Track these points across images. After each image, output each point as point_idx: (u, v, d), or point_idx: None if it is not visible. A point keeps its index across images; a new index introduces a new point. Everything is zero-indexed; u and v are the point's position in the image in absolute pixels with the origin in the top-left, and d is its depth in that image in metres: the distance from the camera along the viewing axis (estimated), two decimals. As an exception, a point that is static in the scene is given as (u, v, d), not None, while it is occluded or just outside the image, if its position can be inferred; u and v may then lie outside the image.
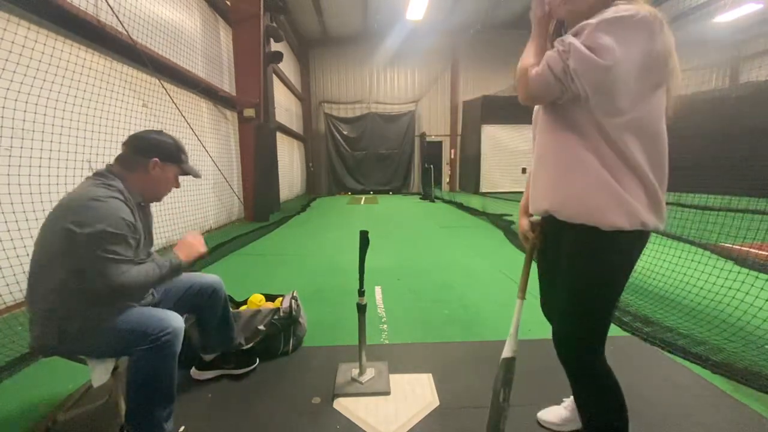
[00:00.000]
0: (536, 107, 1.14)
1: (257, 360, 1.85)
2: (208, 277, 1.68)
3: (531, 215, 1.24)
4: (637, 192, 0.93)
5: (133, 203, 1.30)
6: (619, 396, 1.09)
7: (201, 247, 1.41)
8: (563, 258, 1.06)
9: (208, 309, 1.67)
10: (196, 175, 1.49)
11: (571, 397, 1.44)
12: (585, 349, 1.06)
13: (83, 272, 1.16)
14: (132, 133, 1.40)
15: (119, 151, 1.37)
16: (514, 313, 1.24)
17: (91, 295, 1.18)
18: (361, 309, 1.70)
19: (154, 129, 1.42)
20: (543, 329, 2.16)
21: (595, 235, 0.95)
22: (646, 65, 0.87)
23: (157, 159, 1.34)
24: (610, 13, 0.86)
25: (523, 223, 1.27)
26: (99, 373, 1.26)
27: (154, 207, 1.53)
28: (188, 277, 1.64)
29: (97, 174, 1.29)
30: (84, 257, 1.14)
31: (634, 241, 0.97)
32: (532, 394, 1.62)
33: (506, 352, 1.24)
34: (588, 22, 0.87)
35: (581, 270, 1.02)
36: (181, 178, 1.47)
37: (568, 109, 0.96)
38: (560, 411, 1.46)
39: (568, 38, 0.88)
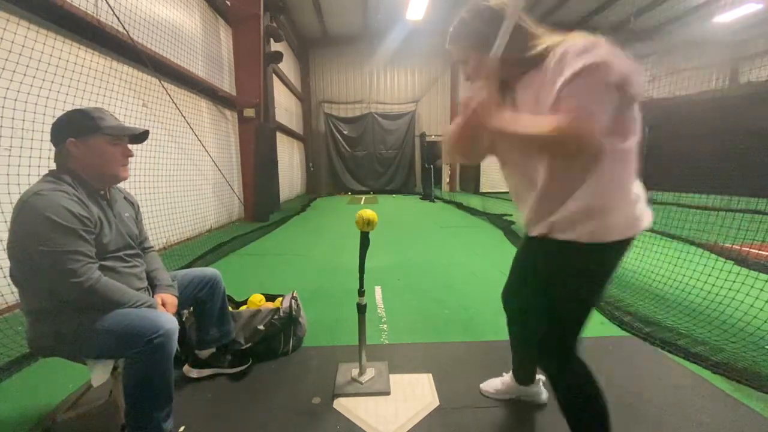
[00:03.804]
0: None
1: (250, 359, 1.85)
2: (206, 270, 1.71)
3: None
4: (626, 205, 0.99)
5: (86, 194, 1.25)
6: (595, 384, 1.10)
7: (172, 314, 1.35)
8: (545, 269, 1.08)
9: (207, 301, 1.68)
10: (131, 132, 1.32)
11: (510, 372, 1.60)
12: (564, 348, 1.09)
13: (42, 273, 1.14)
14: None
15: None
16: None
17: (60, 298, 1.17)
18: (361, 309, 1.70)
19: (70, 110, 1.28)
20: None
21: (584, 248, 0.98)
22: None
23: (71, 139, 1.22)
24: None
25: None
26: (98, 372, 1.27)
27: (154, 207, 1.53)
28: (188, 273, 1.66)
29: (49, 171, 1.26)
30: (33, 256, 1.12)
31: (621, 249, 1.01)
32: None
33: None
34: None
35: (566, 281, 1.05)
36: (176, 178, 1.45)
37: None
38: (496, 383, 1.64)
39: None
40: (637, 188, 1.00)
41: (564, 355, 1.09)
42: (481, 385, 1.67)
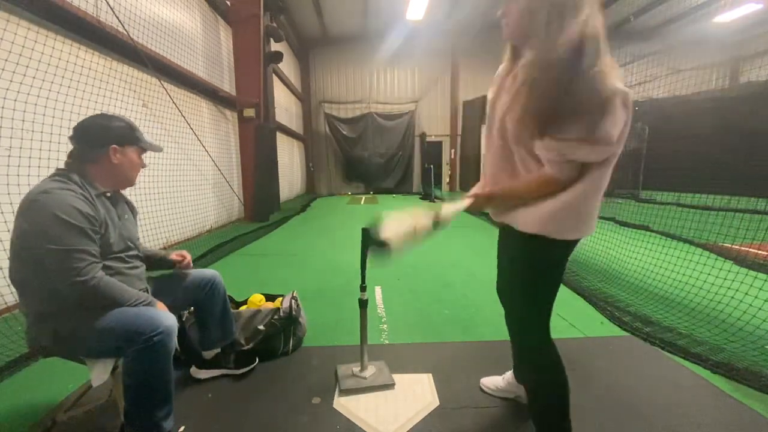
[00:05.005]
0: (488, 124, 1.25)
1: (256, 359, 1.85)
2: (206, 271, 1.71)
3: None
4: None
5: (93, 195, 1.26)
6: (560, 374, 1.19)
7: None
8: (517, 256, 1.20)
9: (207, 303, 1.68)
10: (157, 150, 1.47)
11: (511, 371, 1.61)
12: (527, 326, 1.22)
13: (46, 272, 1.14)
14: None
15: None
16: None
17: (62, 298, 1.17)
18: (363, 304, 1.71)
19: (97, 114, 1.36)
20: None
21: (547, 242, 1.08)
22: None
23: (115, 146, 1.31)
24: None
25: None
26: (98, 372, 1.26)
27: (154, 206, 1.54)
28: (187, 274, 1.65)
29: (57, 170, 1.28)
30: (40, 254, 1.13)
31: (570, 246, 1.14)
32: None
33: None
34: None
35: (533, 266, 1.16)
36: (176, 178, 1.47)
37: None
38: (497, 380, 1.65)
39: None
40: (598, 203, 1.07)
41: (535, 334, 1.19)
42: (482, 380, 1.69)
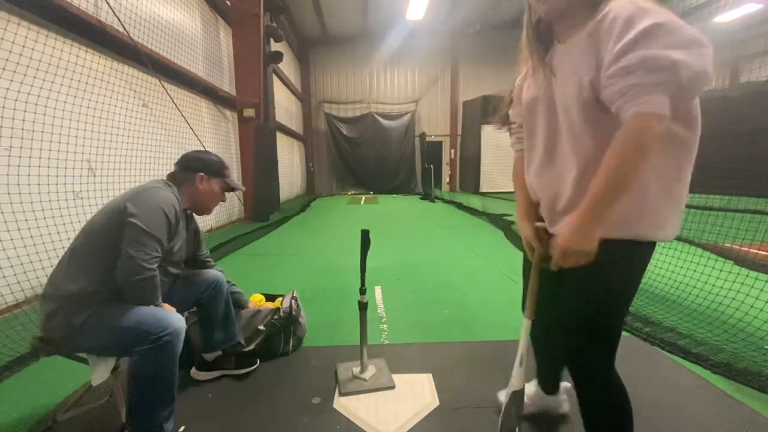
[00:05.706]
0: (518, 108, 1.09)
1: (258, 360, 1.85)
2: (209, 272, 1.72)
3: (536, 221, 1.05)
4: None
5: (181, 208, 1.43)
6: (628, 408, 1.04)
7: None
8: (579, 272, 0.88)
9: (211, 303, 1.68)
10: (240, 189, 1.67)
11: (533, 381, 1.48)
12: (601, 363, 0.98)
13: (120, 246, 1.22)
14: (133, 133, 1.42)
15: (119, 152, 1.39)
16: (521, 337, 1.10)
17: (106, 276, 1.23)
18: (363, 307, 1.71)
19: (200, 150, 1.60)
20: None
21: (630, 246, 0.85)
22: None
23: (203, 174, 1.51)
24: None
25: (527, 232, 1.06)
26: (99, 371, 1.27)
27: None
28: (190, 275, 1.65)
29: (161, 179, 1.49)
30: (125, 226, 1.23)
31: (652, 247, 0.90)
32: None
33: (516, 383, 1.13)
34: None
35: (603, 283, 0.90)
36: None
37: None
38: (532, 389, 1.48)
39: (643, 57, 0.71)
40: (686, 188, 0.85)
41: (608, 370, 0.98)
42: (499, 395, 1.51)
